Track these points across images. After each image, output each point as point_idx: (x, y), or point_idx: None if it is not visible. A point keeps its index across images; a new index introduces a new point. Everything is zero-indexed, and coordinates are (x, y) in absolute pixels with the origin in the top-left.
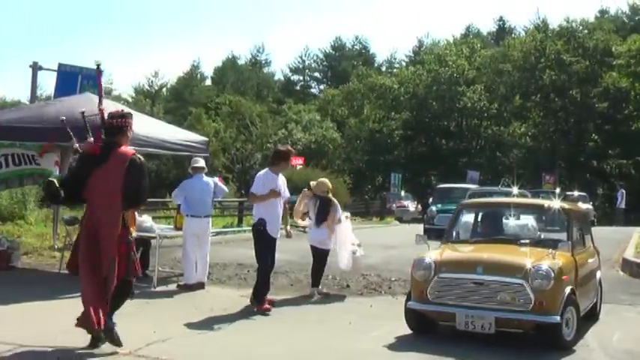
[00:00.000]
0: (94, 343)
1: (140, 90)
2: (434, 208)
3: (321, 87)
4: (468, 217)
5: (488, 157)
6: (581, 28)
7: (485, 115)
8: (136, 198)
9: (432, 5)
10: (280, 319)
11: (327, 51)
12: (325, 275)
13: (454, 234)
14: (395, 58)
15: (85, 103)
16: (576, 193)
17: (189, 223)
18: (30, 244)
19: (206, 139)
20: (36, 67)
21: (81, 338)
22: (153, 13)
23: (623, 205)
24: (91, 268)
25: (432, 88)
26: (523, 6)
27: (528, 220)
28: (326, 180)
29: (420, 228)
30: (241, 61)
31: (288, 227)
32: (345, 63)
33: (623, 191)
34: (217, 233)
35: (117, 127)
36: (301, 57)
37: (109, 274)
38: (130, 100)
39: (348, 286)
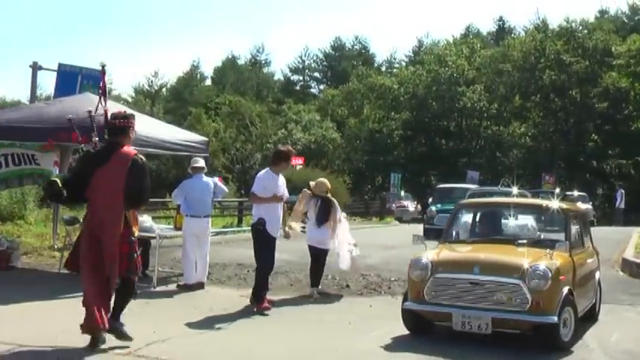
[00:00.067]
0: (94, 343)
1: (140, 90)
2: (434, 208)
3: (321, 87)
4: (466, 217)
5: (488, 157)
6: (580, 28)
7: (485, 115)
8: (138, 198)
9: (432, 5)
10: (280, 319)
11: (327, 51)
12: (325, 275)
13: (452, 234)
14: (395, 58)
15: (85, 103)
16: (576, 193)
17: (189, 223)
18: (30, 244)
19: (206, 139)
20: (36, 67)
21: (81, 338)
22: (153, 13)
23: (622, 206)
24: (93, 268)
25: (431, 88)
26: (523, 6)
27: (526, 220)
28: (325, 180)
29: (419, 228)
30: (241, 61)
31: (287, 228)
32: (344, 63)
33: (623, 191)
34: (217, 233)
35: (119, 127)
36: (301, 57)
37: (111, 274)
38: (130, 100)
39: (347, 286)
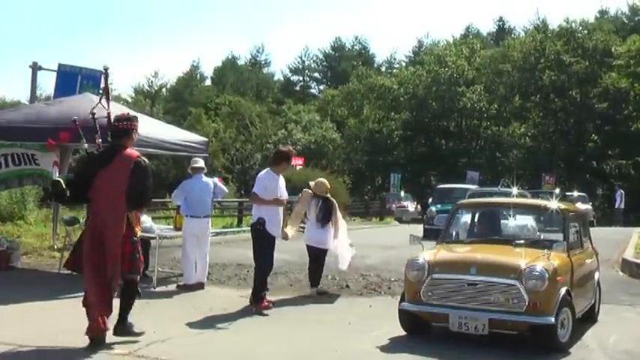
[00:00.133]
0: (94, 343)
1: (140, 90)
2: (433, 209)
3: (321, 87)
4: (464, 218)
5: (488, 157)
6: (580, 28)
7: (485, 115)
8: (141, 199)
9: (432, 5)
10: (280, 319)
11: (327, 51)
12: (325, 275)
13: (449, 234)
14: (395, 59)
15: (85, 104)
16: (576, 194)
17: (189, 223)
18: (29, 245)
19: (205, 139)
20: (36, 67)
21: (81, 338)
22: (153, 13)
23: (622, 206)
24: (95, 269)
25: (431, 88)
26: (523, 6)
27: (524, 221)
28: (325, 180)
29: (419, 228)
30: (241, 62)
31: (285, 229)
32: (344, 63)
33: (622, 192)
34: (217, 233)
35: (122, 129)
36: (301, 57)
37: (113, 274)
38: (130, 100)
39: (347, 286)
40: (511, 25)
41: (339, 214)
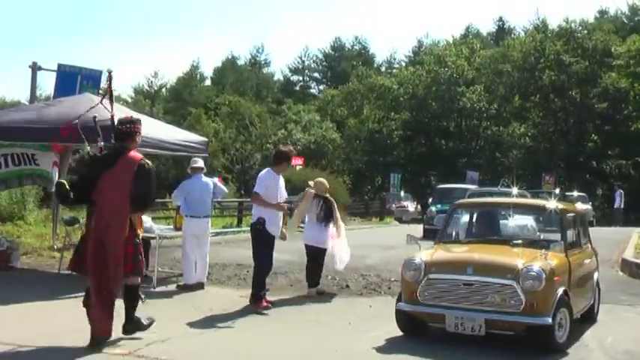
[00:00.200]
0: (94, 343)
1: (140, 90)
2: (433, 209)
3: (321, 87)
4: (462, 217)
5: (488, 157)
6: (580, 28)
7: (485, 115)
8: (144, 202)
9: (432, 5)
10: (279, 319)
11: (327, 51)
12: (324, 275)
13: (447, 234)
14: (394, 59)
15: (84, 104)
16: (576, 194)
17: (189, 223)
18: (29, 245)
19: (205, 139)
20: (35, 68)
21: (81, 338)
22: (153, 13)
23: (621, 206)
24: (98, 271)
25: (431, 88)
26: (523, 6)
27: (522, 221)
28: (324, 180)
29: (419, 228)
30: (241, 62)
31: (284, 229)
32: (344, 63)
33: (621, 191)
34: (217, 233)
35: (126, 132)
36: (301, 57)
37: (116, 276)
38: (130, 100)
39: (347, 286)
40: (511, 25)
41: (338, 214)
